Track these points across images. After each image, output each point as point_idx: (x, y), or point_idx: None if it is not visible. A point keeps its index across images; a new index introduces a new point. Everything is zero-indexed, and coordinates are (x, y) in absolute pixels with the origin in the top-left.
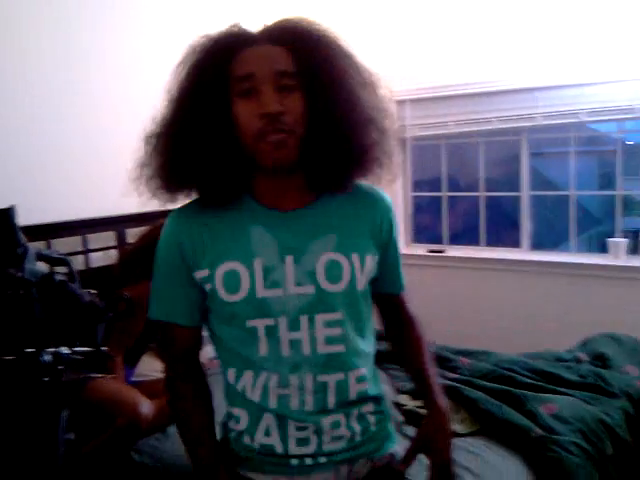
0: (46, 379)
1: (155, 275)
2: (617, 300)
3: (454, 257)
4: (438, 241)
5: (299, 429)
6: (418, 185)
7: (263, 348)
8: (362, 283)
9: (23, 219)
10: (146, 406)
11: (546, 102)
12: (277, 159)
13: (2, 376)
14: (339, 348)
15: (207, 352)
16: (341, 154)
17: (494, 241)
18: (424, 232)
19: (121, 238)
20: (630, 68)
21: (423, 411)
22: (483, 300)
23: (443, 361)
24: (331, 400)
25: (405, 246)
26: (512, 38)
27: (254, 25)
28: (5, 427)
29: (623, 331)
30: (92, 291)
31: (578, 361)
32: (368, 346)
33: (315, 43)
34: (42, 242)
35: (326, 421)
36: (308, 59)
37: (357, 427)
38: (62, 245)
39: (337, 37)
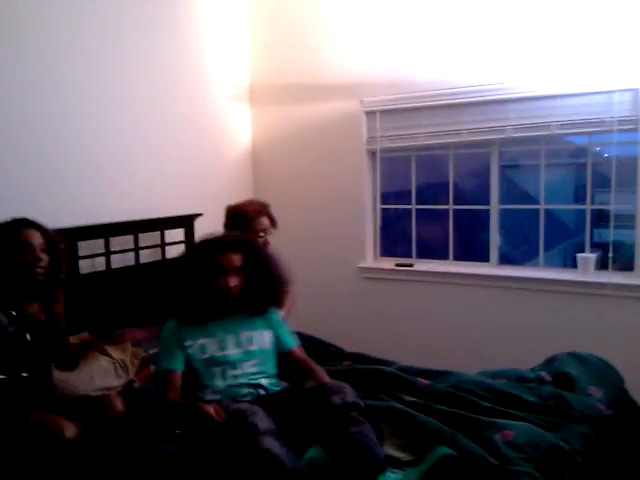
0: None
1: None
2: (584, 317)
3: (422, 271)
4: (407, 255)
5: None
6: (387, 197)
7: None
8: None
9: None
10: (70, 429)
11: (517, 114)
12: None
13: None
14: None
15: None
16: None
17: (465, 255)
18: (393, 245)
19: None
20: (601, 81)
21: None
22: (451, 316)
23: (401, 384)
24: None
25: (373, 260)
26: (483, 49)
27: None
28: None
29: (590, 349)
30: (12, 312)
31: (541, 381)
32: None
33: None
34: None
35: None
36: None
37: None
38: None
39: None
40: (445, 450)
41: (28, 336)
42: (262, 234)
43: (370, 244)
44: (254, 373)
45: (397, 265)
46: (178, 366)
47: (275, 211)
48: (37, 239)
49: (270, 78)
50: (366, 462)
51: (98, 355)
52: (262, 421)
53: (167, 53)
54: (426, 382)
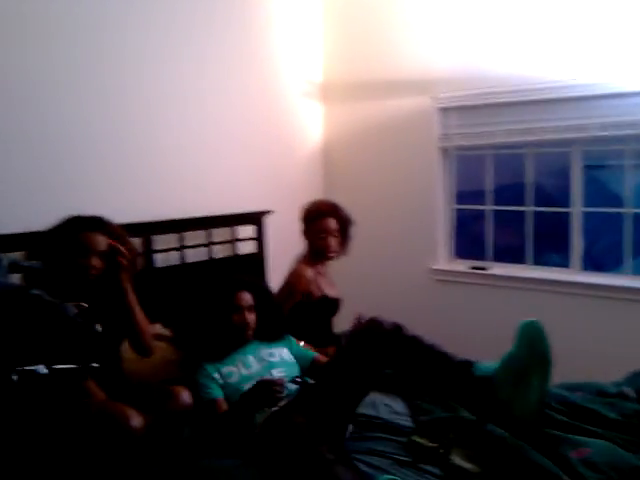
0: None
1: None
2: None
3: (498, 275)
4: (481, 257)
5: None
6: (462, 197)
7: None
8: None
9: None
10: (136, 419)
11: (603, 112)
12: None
13: None
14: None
15: None
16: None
17: (543, 260)
18: (466, 247)
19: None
20: None
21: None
22: None
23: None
24: None
25: (446, 261)
26: (565, 43)
27: None
28: None
29: None
30: (83, 304)
31: (623, 397)
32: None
33: None
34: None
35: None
36: None
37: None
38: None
39: None
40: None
41: (98, 327)
42: (322, 235)
43: (443, 245)
44: (284, 377)
45: (471, 268)
46: (218, 393)
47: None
48: (99, 245)
49: (343, 75)
50: (454, 362)
51: (169, 347)
52: (331, 450)
53: (239, 52)
54: None
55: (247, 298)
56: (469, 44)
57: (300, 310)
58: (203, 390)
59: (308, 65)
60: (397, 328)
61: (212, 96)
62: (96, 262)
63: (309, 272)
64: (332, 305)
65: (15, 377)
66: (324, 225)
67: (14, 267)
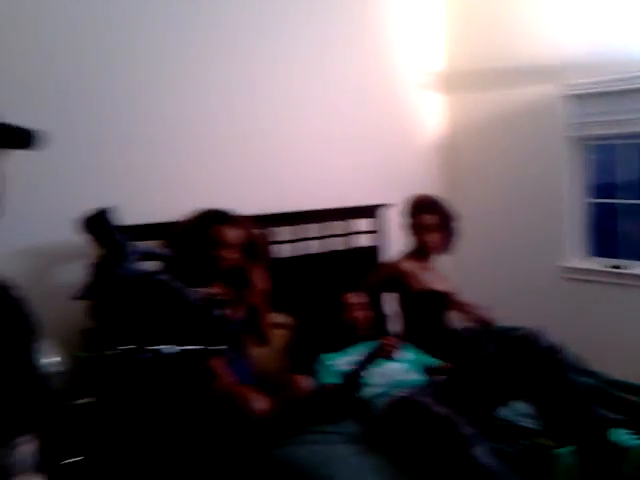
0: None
1: None
2: None
3: (638, 275)
4: (618, 255)
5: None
6: (598, 190)
7: None
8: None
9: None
10: (260, 402)
11: None
12: None
13: (104, 370)
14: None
15: None
16: None
17: None
18: (604, 245)
19: None
20: None
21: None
22: None
23: (605, 398)
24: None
25: (578, 259)
26: None
27: None
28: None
29: None
30: (212, 290)
31: None
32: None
33: None
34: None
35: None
36: None
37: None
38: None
39: None
40: None
41: (217, 311)
42: (422, 231)
43: (572, 241)
44: (402, 369)
45: (609, 267)
46: (330, 379)
47: (466, 203)
48: (233, 238)
49: (467, 63)
50: (594, 416)
51: (290, 335)
52: (471, 433)
53: (357, 43)
54: (633, 398)
55: (352, 296)
56: (600, 26)
57: (406, 304)
58: (317, 376)
59: (429, 54)
60: (552, 349)
61: (330, 91)
62: (227, 254)
63: (407, 265)
64: (439, 299)
65: (144, 356)
66: (423, 220)
67: (147, 255)
